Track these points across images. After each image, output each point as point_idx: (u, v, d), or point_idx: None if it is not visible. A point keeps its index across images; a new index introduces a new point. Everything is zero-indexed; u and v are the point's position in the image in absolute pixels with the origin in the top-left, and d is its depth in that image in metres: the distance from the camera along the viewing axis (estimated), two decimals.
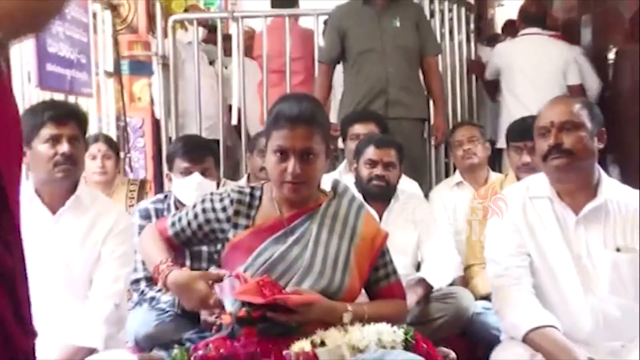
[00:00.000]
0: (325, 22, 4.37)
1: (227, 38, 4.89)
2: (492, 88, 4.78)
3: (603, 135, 2.17)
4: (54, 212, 2.31)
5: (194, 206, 2.12)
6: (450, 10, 4.61)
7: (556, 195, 2.18)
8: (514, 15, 6.03)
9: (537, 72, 4.46)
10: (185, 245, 2.19)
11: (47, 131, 2.23)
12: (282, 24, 4.60)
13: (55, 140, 2.23)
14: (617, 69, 4.57)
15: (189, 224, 2.11)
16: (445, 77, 4.43)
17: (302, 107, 2.02)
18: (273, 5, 5.04)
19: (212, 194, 2.15)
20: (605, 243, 2.12)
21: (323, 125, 2.09)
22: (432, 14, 4.48)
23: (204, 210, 2.10)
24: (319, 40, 4.42)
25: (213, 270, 2.02)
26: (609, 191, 2.15)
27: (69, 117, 2.27)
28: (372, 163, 2.99)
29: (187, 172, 2.87)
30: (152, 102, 4.92)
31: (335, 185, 2.18)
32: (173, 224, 2.13)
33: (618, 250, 2.10)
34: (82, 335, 2.19)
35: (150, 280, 2.84)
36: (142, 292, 2.84)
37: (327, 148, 2.09)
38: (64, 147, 2.23)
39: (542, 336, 2.00)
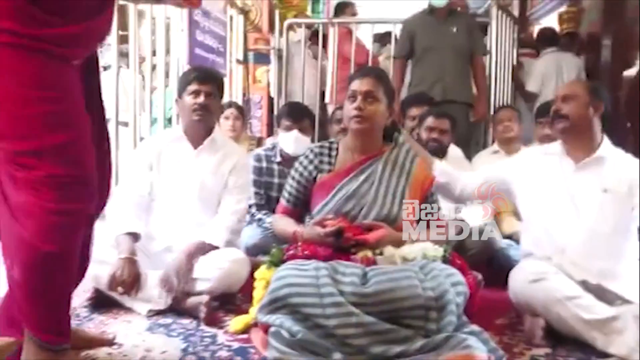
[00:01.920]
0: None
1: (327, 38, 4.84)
2: (530, 95, 4.59)
3: (599, 107, 2.08)
4: (195, 148, 2.37)
5: (292, 177, 2.13)
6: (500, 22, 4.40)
7: (564, 152, 2.13)
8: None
9: (561, 76, 4.37)
10: (302, 207, 2.15)
11: (191, 87, 2.31)
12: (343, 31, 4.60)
13: (196, 94, 2.30)
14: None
15: (296, 190, 2.12)
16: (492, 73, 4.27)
17: (370, 68, 2.20)
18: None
19: (297, 160, 2.16)
20: (596, 186, 2.04)
21: (387, 84, 2.08)
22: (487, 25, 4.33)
23: (300, 174, 2.11)
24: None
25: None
26: (606, 150, 2.08)
27: (207, 78, 2.33)
28: (431, 129, 2.95)
29: (288, 129, 2.87)
30: (268, 84, 4.95)
31: (396, 137, 2.15)
32: (287, 200, 2.15)
33: (605, 191, 2.02)
34: (211, 236, 2.25)
35: (258, 206, 2.90)
36: (252, 215, 2.88)
37: (389, 104, 2.07)
38: (201, 99, 2.29)
39: None
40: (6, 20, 1.27)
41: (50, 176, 1.31)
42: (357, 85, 2.02)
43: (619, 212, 2.02)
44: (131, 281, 2.03)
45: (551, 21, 5.91)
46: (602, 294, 1.90)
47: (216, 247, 2.24)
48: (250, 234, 2.77)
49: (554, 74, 4.44)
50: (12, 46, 1.28)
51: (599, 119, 2.09)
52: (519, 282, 1.96)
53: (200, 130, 2.36)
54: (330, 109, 4.71)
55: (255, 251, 2.74)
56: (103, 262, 2.01)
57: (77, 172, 1.35)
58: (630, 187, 2.00)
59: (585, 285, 1.92)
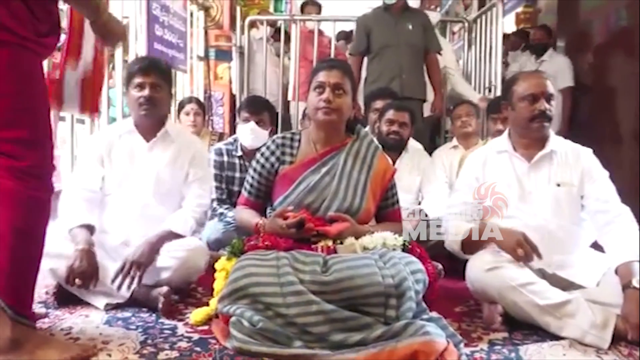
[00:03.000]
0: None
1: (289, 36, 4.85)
2: None
3: None
4: (147, 141, 2.29)
5: (253, 168, 2.11)
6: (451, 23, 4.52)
7: (512, 148, 2.15)
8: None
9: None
10: (264, 199, 2.13)
11: (136, 80, 2.22)
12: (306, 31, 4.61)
13: (141, 86, 2.22)
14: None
15: (258, 182, 2.10)
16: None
17: (337, 60, 2.14)
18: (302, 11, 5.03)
19: (259, 151, 2.13)
20: (549, 181, 2.07)
21: (352, 77, 2.07)
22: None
23: (262, 165, 2.09)
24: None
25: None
26: (555, 144, 2.11)
27: (151, 69, 2.21)
28: (391, 122, 2.97)
29: (246, 120, 2.86)
30: (230, 81, 4.92)
31: (358, 130, 2.15)
32: (249, 192, 2.13)
33: (558, 185, 2.06)
34: (176, 224, 2.20)
35: (220, 201, 2.87)
36: (214, 209, 2.84)
37: (353, 97, 2.07)
38: (145, 91, 2.21)
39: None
40: (8, 21, 1.41)
41: (35, 166, 1.47)
42: (324, 76, 2.00)
43: (574, 203, 2.05)
44: (90, 272, 1.96)
45: (509, 21, 6.04)
46: (556, 281, 1.93)
47: (182, 236, 2.18)
48: (212, 229, 2.74)
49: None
50: (11, 44, 1.42)
51: None
52: (475, 270, 1.97)
53: (150, 123, 2.28)
54: (292, 106, 4.72)
55: (217, 246, 2.72)
56: (60, 256, 1.95)
57: (50, 163, 1.53)
58: (581, 177, 2.05)
59: (541, 272, 1.95)
